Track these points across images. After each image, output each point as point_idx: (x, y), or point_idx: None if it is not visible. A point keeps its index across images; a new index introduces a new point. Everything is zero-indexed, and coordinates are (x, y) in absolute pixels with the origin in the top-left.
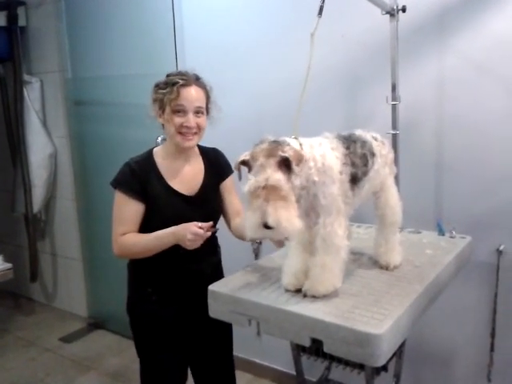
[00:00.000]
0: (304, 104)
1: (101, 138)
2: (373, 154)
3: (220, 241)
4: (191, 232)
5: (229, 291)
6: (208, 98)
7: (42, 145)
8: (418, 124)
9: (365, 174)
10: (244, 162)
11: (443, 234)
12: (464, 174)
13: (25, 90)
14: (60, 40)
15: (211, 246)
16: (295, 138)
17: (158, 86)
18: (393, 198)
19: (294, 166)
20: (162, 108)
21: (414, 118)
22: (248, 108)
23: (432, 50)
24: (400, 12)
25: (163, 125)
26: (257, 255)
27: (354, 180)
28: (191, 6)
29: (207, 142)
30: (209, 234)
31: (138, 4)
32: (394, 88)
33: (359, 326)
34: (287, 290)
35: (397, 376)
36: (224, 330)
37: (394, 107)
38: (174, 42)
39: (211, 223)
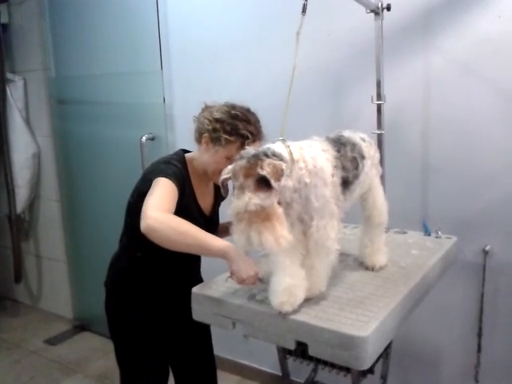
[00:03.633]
0: (289, 104)
1: (85, 137)
2: (363, 157)
3: None
4: (253, 275)
5: (213, 294)
6: None
7: (26, 144)
8: (404, 124)
9: (356, 177)
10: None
11: (429, 235)
12: (450, 174)
13: (8, 88)
14: (43, 38)
15: None
16: (283, 139)
17: (220, 122)
18: (380, 199)
19: (273, 183)
20: (215, 144)
21: (400, 118)
22: None
23: (417, 49)
24: (385, 10)
25: (199, 147)
26: None
27: (345, 184)
28: (176, 3)
29: (192, 144)
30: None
31: (121, 1)
32: (378, 87)
33: (344, 329)
34: (281, 313)
35: (383, 378)
36: (203, 329)
37: (379, 107)
38: (158, 41)
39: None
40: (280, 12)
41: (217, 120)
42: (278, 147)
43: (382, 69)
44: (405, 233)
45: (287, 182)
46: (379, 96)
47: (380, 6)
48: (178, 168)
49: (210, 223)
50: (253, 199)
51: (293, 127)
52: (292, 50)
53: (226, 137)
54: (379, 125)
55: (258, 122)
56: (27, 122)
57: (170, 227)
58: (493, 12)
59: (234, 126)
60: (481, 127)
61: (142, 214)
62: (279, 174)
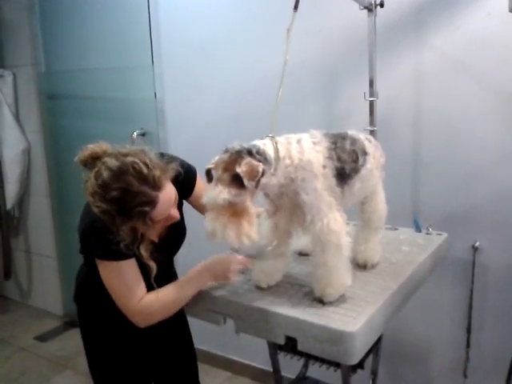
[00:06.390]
0: (281, 100)
1: (75, 132)
2: (365, 153)
3: (197, 237)
4: (238, 262)
5: (204, 289)
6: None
7: (15, 140)
8: (396, 120)
9: (355, 170)
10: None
11: (420, 231)
12: (441, 171)
13: None
14: (33, 32)
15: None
16: (272, 136)
17: (109, 216)
18: (381, 204)
19: (246, 183)
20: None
21: (392, 115)
22: (225, 104)
23: (410, 46)
24: (378, 7)
25: None
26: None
27: (342, 176)
28: None
29: (183, 140)
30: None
31: None
32: (371, 84)
33: (332, 324)
34: (258, 288)
35: (374, 373)
36: (185, 340)
37: (371, 103)
38: (149, 35)
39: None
40: (270, 7)
41: (104, 213)
42: (264, 144)
43: (374, 65)
44: (396, 229)
45: (271, 180)
46: (372, 92)
47: (373, 2)
48: (99, 230)
49: (164, 241)
50: (222, 194)
51: (284, 124)
52: (282, 45)
53: (126, 227)
54: (371, 121)
55: (152, 171)
56: (17, 117)
57: (162, 316)
58: (483, 10)
59: (126, 211)
60: (471, 123)
61: (128, 317)
62: (254, 174)
